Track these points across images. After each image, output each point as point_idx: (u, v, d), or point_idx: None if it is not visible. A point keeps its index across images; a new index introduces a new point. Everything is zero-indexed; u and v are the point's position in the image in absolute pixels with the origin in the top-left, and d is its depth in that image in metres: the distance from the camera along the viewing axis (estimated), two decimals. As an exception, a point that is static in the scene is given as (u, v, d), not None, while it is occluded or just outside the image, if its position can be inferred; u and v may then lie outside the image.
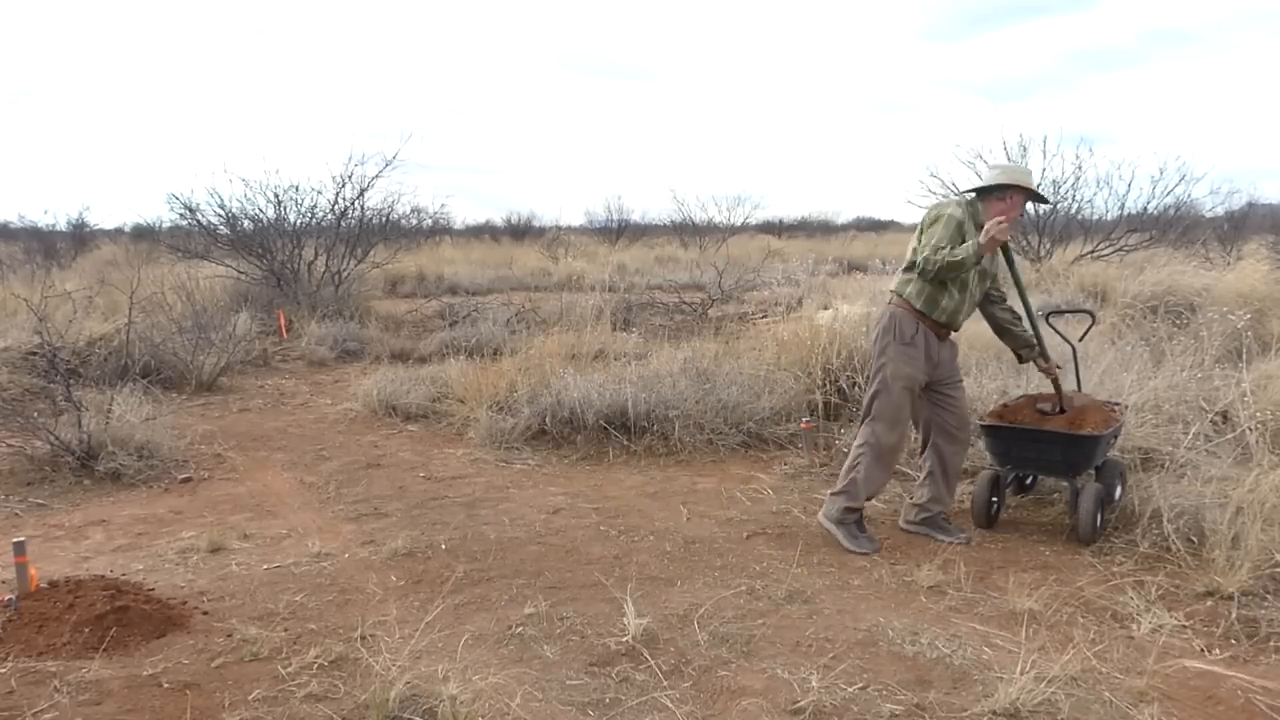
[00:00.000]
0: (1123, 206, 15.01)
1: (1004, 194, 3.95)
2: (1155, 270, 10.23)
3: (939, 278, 3.85)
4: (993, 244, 3.67)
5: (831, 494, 4.12)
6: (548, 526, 4.41)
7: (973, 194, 4.03)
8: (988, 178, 4.04)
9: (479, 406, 6.31)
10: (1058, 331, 4.98)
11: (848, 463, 4.07)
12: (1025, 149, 14.81)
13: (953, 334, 4.13)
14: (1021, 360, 4.33)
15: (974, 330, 7.00)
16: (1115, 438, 4.27)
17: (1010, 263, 4.07)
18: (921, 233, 3.99)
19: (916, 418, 4.19)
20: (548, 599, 3.48)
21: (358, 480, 5.30)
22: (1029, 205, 4.29)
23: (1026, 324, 4.23)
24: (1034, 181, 4.14)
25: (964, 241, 3.82)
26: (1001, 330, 4.29)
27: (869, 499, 4.08)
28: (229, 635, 3.17)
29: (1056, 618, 3.28)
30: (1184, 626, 3.19)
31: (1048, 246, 14.71)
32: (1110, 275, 11.41)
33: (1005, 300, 4.27)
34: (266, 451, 6.02)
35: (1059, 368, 4.28)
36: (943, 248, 3.78)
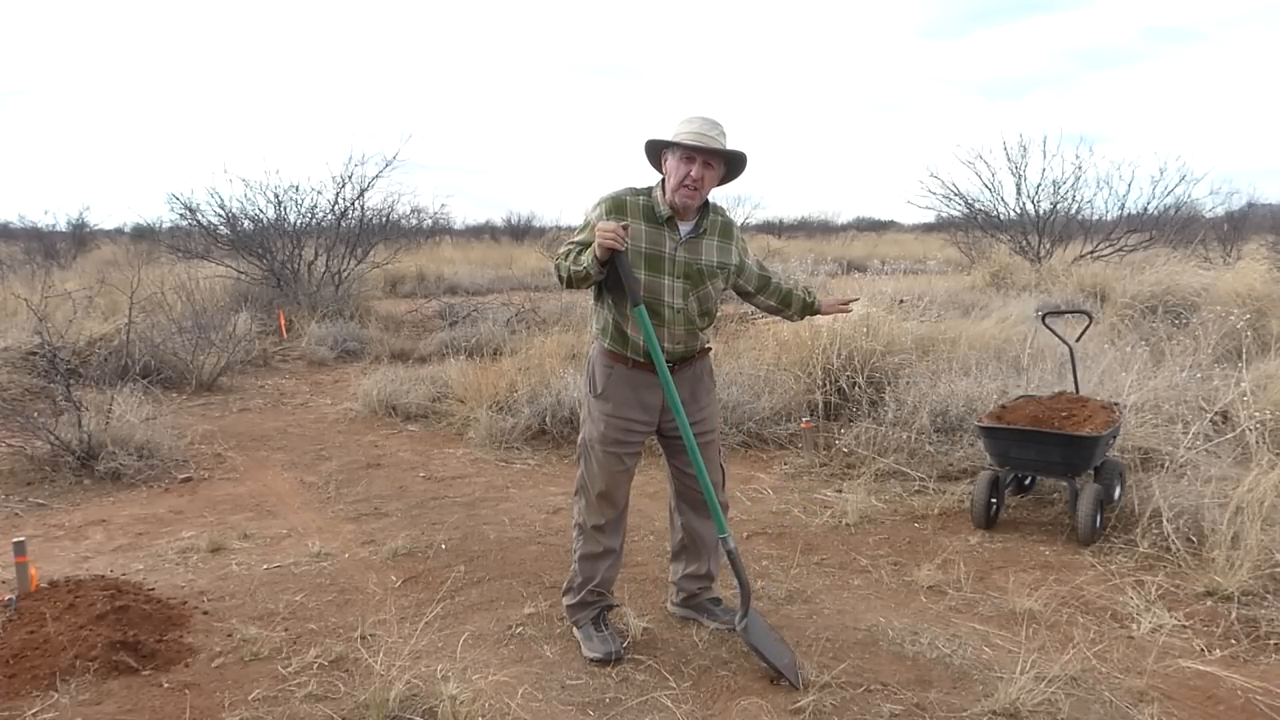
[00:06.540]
0: (1123, 206, 15.07)
1: (662, 158, 2.91)
2: (1155, 270, 10.23)
3: (572, 288, 2.98)
4: (601, 249, 2.73)
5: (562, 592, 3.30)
6: (548, 526, 4.41)
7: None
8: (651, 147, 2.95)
9: (479, 406, 6.32)
10: (1055, 332, 4.99)
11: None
12: (1025, 148, 14.87)
13: (698, 363, 3.08)
14: (803, 315, 3.37)
15: (973, 331, 7.03)
16: (1114, 438, 4.27)
17: (625, 276, 2.81)
18: None
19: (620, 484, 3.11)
20: (548, 599, 3.48)
21: (358, 480, 5.30)
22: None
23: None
24: (699, 129, 2.83)
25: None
26: (775, 309, 3.31)
27: (599, 592, 3.13)
28: (229, 635, 3.17)
29: (1056, 618, 3.28)
30: (1184, 626, 3.20)
31: (1047, 247, 14.72)
32: (1110, 275, 11.42)
33: (770, 285, 3.23)
34: (266, 451, 6.02)
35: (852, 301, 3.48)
36: (574, 252, 2.88)
